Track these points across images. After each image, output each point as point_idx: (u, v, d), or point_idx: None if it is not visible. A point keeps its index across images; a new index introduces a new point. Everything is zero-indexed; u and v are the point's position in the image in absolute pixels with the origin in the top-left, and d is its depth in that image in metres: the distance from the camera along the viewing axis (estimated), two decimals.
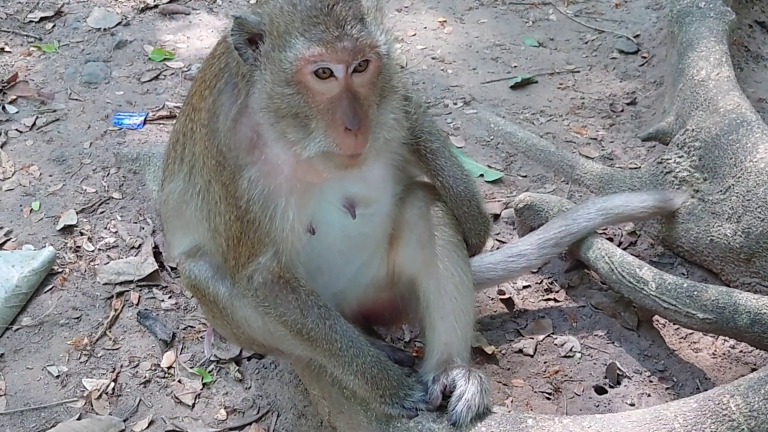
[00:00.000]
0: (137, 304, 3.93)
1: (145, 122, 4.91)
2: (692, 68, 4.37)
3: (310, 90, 2.52)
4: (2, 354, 3.70)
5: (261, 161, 2.66)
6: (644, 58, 5.51)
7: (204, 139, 2.73)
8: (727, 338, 3.70)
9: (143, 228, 4.28)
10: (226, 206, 2.73)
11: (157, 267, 4.04)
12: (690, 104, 4.25)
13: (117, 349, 3.76)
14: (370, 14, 2.54)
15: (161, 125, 4.89)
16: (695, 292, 3.46)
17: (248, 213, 2.70)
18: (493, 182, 4.60)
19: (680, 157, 4.12)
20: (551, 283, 4.04)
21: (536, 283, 4.05)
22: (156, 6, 5.78)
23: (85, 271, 4.06)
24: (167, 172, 3.04)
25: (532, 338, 3.79)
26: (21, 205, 4.38)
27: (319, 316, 2.82)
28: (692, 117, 4.18)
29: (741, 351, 3.71)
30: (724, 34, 4.56)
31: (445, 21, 5.79)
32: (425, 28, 5.74)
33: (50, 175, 4.58)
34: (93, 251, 4.16)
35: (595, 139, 4.92)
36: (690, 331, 3.74)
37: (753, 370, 3.61)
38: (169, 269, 4.08)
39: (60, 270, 4.06)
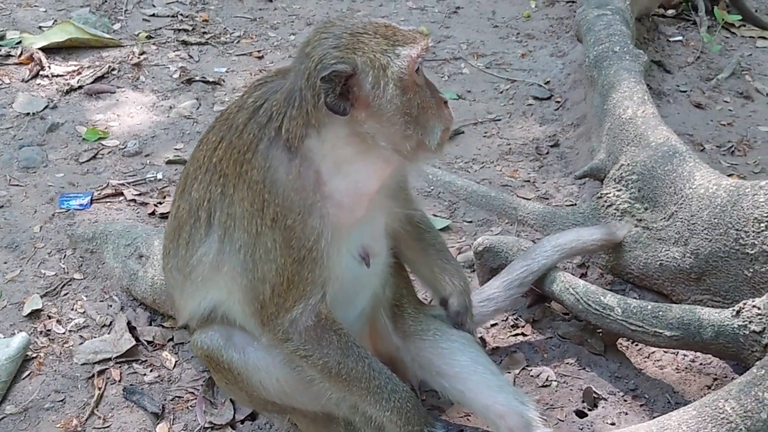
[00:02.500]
0: (119, 381, 3.95)
1: (91, 202, 4.93)
2: (618, 108, 4.70)
3: (418, 86, 2.82)
4: None
5: (330, 197, 2.87)
6: (558, 102, 5.86)
7: (257, 195, 2.86)
8: (686, 353, 3.99)
9: (111, 305, 4.30)
10: (284, 251, 2.86)
11: (134, 342, 4.07)
12: (620, 141, 4.57)
13: (108, 426, 3.77)
14: None
15: (108, 203, 4.93)
16: (660, 312, 3.72)
17: (312, 251, 2.86)
18: (442, 230, 4.81)
19: (618, 190, 4.42)
20: (516, 319, 4.26)
21: (503, 320, 4.26)
22: (80, 87, 5.81)
23: (61, 353, 4.06)
24: (188, 241, 3.12)
25: (509, 372, 3.99)
26: None
27: (358, 355, 2.97)
28: (624, 152, 4.50)
29: (701, 363, 3.99)
30: (640, 75, 4.93)
31: None
32: None
33: (5, 262, 4.55)
34: (64, 333, 4.16)
35: (528, 181, 5.21)
36: (653, 349, 4.01)
37: (715, 379, 3.91)
38: (145, 343, 4.11)
39: (35, 355, 4.04)
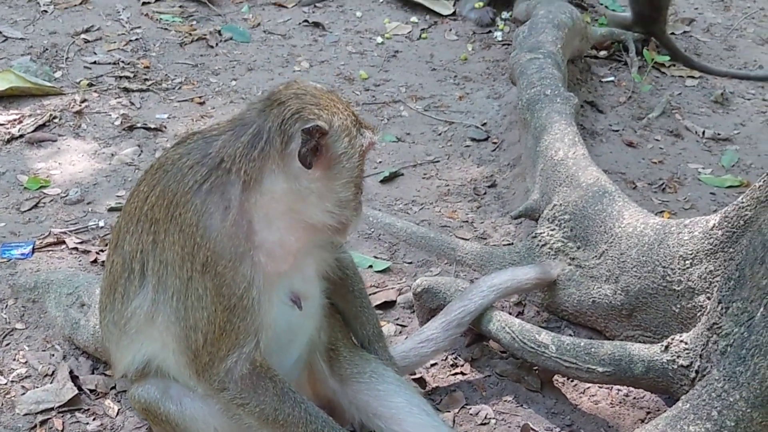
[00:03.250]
0: (62, 431, 3.96)
1: (33, 251, 4.94)
2: (550, 149, 4.85)
3: (362, 166, 3.08)
4: None
5: (260, 247, 2.96)
6: (494, 143, 6.00)
7: (188, 238, 2.94)
8: (620, 388, 4.11)
9: (53, 355, 4.31)
10: (214, 298, 2.93)
11: (77, 391, 4.09)
12: (553, 182, 4.71)
13: None
14: None
15: (50, 252, 4.94)
16: (592, 349, 3.84)
17: (243, 299, 2.94)
18: (382, 272, 4.90)
19: (552, 230, 4.56)
20: (455, 358, 4.35)
21: (442, 360, 4.34)
22: (22, 135, 5.83)
23: (2, 404, 4.06)
24: (123, 294, 3.16)
25: (449, 411, 4.07)
26: None
27: (294, 401, 3.05)
28: (557, 193, 4.64)
29: (635, 397, 4.11)
30: (571, 117, 5.09)
31: None
32: None
33: None
34: (6, 384, 4.16)
35: (467, 221, 5.33)
36: (588, 385, 4.13)
37: (648, 413, 4.03)
38: (88, 392, 4.13)
39: None
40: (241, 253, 2.93)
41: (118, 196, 5.37)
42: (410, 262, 4.98)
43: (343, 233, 3.16)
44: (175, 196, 2.98)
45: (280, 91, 3.03)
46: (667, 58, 6.94)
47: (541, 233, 4.61)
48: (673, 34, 7.42)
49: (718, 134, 6.17)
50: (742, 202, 3.59)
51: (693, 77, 6.89)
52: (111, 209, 5.26)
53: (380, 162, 5.82)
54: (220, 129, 3.11)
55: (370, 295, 4.64)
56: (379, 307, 4.63)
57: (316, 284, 3.33)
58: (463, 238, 5.13)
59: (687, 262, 3.84)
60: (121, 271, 3.14)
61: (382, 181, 5.63)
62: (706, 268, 3.75)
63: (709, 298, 3.72)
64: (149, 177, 3.13)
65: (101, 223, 5.15)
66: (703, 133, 6.17)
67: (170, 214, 2.98)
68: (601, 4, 7.96)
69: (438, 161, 5.86)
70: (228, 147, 2.99)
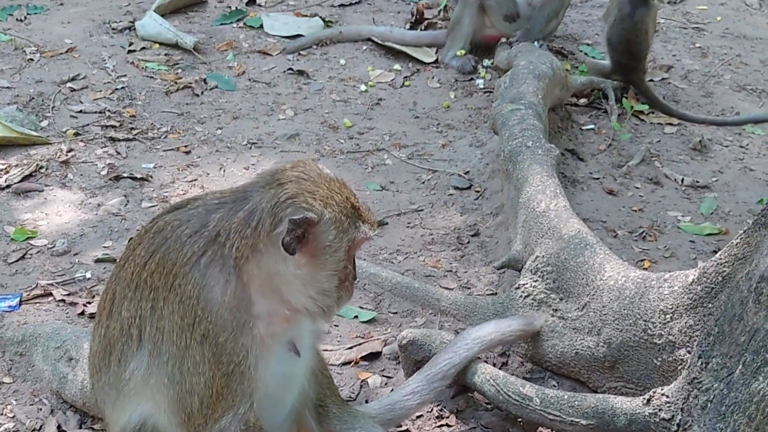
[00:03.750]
0: None
1: (20, 303, 4.97)
2: (532, 201, 4.93)
3: (353, 260, 3.13)
4: None
5: (259, 317, 3.04)
6: (477, 192, 6.08)
7: (189, 310, 3.00)
8: None
9: (41, 409, 4.33)
10: (212, 365, 3.00)
11: None
12: (535, 233, 4.79)
13: None
14: None
15: (38, 304, 4.97)
16: (576, 402, 3.90)
17: (240, 365, 3.01)
18: (368, 322, 4.95)
19: (535, 281, 4.63)
20: (441, 410, 4.40)
21: (428, 412, 4.39)
22: (8, 186, 5.86)
23: None
24: (120, 358, 3.19)
25: None
26: None
27: None
28: (540, 244, 4.72)
29: None
30: (552, 168, 5.18)
31: None
32: None
33: None
34: None
35: (451, 270, 5.39)
36: None
37: None
38: None
39: None
40: (242, 324, 3.00)
41: (104, 247, 5.41)
42: (395, 312, 5.03)
43: (325, 318, 3.24)
44: (175, 266, 3.03)
45: (284, 171, 3.09)
46: (646, 106, 7.06)
47: (524, 284, 4.68)
48: (651, 81, 7.55)
49: (697, 182, 6.27)
50: (720, 259, 3.67)
51: (672, 124, 7.00)
52: (98, 260, 5.29)
53: None
54: (221, 198, 3.16)
55: (355, 346, 4.73)
56: (364, 358, 4.69)
57: (309, 329, 3.39)
58: (447, 288, 5.19)
59: (667, 316, 3.91)
60: (118, 335, 3.17)
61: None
62: (686, 323, 3.82)
63: (689, 352, 3.79)
64: (147, 241, 3.16)
65: (88, 275, 5.18)
66: (682, 180, 6.28)
67: (170, 283, 3.03)
68: (581, 51, 8.09)
69: (422, 210, 5.93)
70: (225, 221, 3.05)
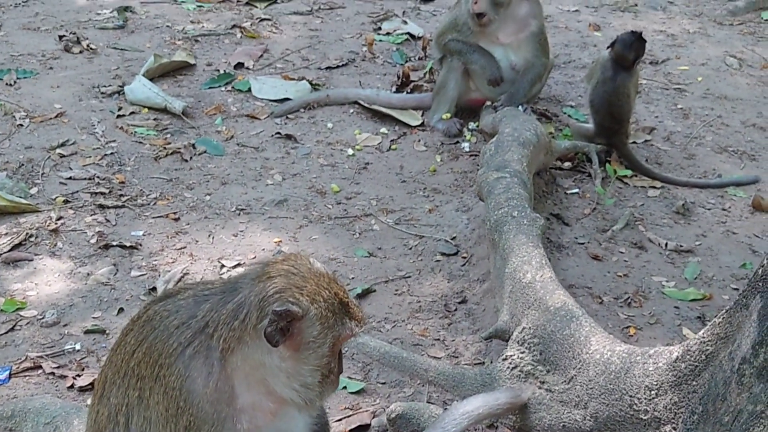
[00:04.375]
0: None
1: (10, 376, 4.98)
2: (518, 272, 4.99)
3: (338, 354, 3.23)
4: None
5: (242, 410, 3.08)
6: (464, 258, 6.15)
7: (172, 401, 3.05)
8: None
9: None
10: None
11: None
12: (522, 304, 4.84)
13: None
14: None
15: (27, 377, 4.99)
16: None
17: None
18: (357, 393, 4.98)
19: (522, 353, 4.68)
20: None
21: None
22: None
23: None
24: None
25: None
26: None
27: None
28: (526, 316, 4.77)
29: None
30: (538, 239, 5.25)
31: (280, 241, 6.23)
32: (263, 249, 6.15)
33: None
34: None
35: (438, 339, 5.44)
36: None
37: None
38: None
39: None
40: (223, 417, 3.04)
41: (93, 318, 5.44)
42: (384, 383, 5.06)
43: (310, 409, 3.28)
44: (161, 356, 3.09)
45: (275, 264, 3.16)
46: (629, 171, 7.16)
47: (511, 355, 4.72)
48: (635, 143, 7.66)
49: (681, 246, 6.35)
50: (703, 337, 3.73)
51: (655, 187, 7.10)
52: (87, 331, 5.32)
53: (353, 278, 5.93)
54: (211, 289, 3.23)
55: (344, 418, 4.76)
56: (353, 430, 4.70)
57: (302, 421, 3.41)
58: (435, 357, 5.23)
59: (652, 392, 3.96)
60: (106, 422, 3.21)
61: (354, 299, 5.72)
62: (671, 399, 3.87)
63: (675, 429, 3.83)
64: (137, 329, 3.22)
65: (77, 347, 5.20)
66: (666, 245, 6.35)
67: (155, 373, 3.08)
68: (565, 113, 8.21)
69: (409, 276, 5.99)
70: (214, 312, 3.11)
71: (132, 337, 3.22)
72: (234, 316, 3.07)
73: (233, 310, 3.08)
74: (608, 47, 7.27)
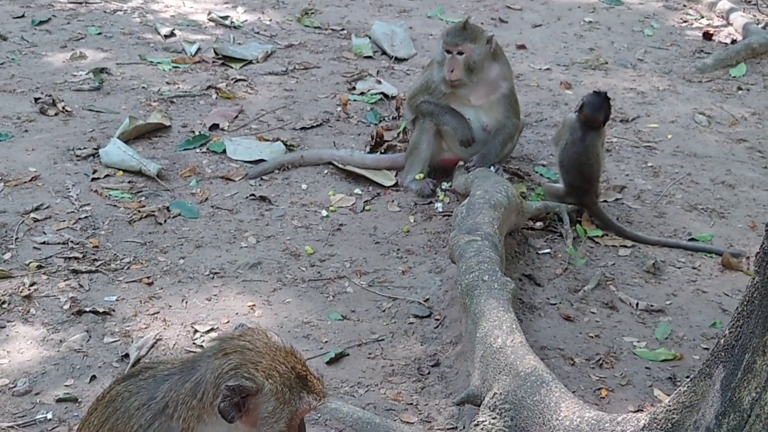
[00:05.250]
0: None
1: None
2: (489, 337, 5.03)
3: (296, 427, 3.22)
4: None
5: None
6: (437, 320, 6.18)
7: None
8: None
9: None
10: None
11: None
12: (493, 369, 4.88)
13: None
14: None
15: None
16: None
17: None
18: None
19: (494, 418, 4.70)
20: None
21: None
22: None
23: None
24: None
25: None
26: None
27: None
28: (497, 381, 4.81)
29: None
30: (508, 303, 5.30)
31: (254, 305, 6.25)
32: (237, 313, 6.17)
33: None
34: None
35: (411, 404, 5.45)
36: None
37: None
38: None
39: None
40: None
41: (66, 386, 5.43)
42: None
43: None
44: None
45: (232, 340, 3.21)
46: (599, 231, 7.24)
47: (483, 421, 4.74)
48: (605, 201, 7.76)
49: (652, 306, 6.42)
50: (669, 405, 3.78)
51: (626, 246, 7.18)
52: (59, 400, 5.30)
53: (326, 342, 5.95)
54: (171, 369, 3.26)
55: None
56: None
57: None
58: (408, 422, 5.24)
59: None
60: None
61: (328, 363, 5.75)
62: None
63: None
64: (100, 409, 3.25)
65: (49, 416, 5.18)
66: (637, 305, 6.42)
67: None
68: (537, 172, 8.30)
69: (382, 339, 6.01)
70: (173, 392, 3.15)
71: (95, 417, 3.26)
72: (192, 395, 3.11)
73: (191, 389, 3.12)
74: (576, 111, 7.40)
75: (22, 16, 11.16)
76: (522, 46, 11.41)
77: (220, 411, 3.04)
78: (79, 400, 5.32)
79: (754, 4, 13.36)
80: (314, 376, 3.32)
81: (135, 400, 3.18)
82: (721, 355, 3.51)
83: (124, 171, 7.86)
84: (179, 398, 3.12)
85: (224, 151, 8.32)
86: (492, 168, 7.50)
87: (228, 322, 6.09)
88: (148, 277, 6.49)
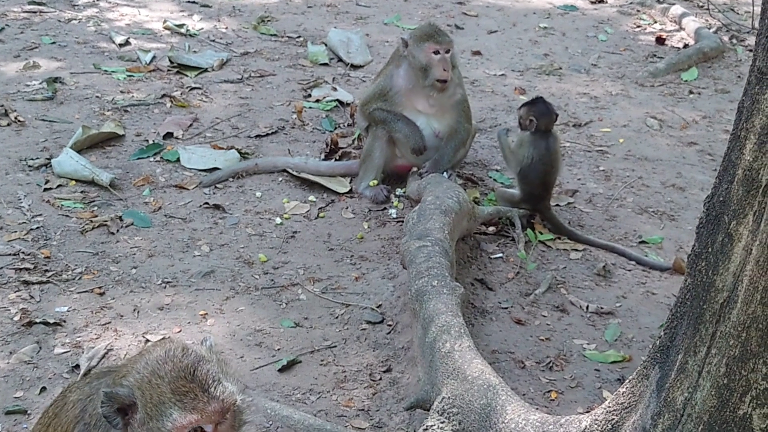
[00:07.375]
0: None
1: None
2: (438, 342, 5.08)
3: None
4: None
5: None
6: (389, 326, 6.22)
7: None
8: None
9: None
10: None
11: None
12: (442, 374, 4.92)
13: None
14: (221, 370, 3.04)
15: None
16: None
17: None
18: None
19: (442, 422, 4.74)
20: None
21: None
22: None
23: None
24: None
25: None
26: None
27: None
28: (446, 385, 4.85)
29: None
30: (457, 308, 5.35)
31: (206, 313, 6.25)
32: (189, 323, 6.16)
33: None
34: None
35: (363, 409, 5.48)
36: None
37: None
38: None
39: None
40: None
41: (15, 398, 5.40)
42: None
43: None
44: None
45: (143, 351, 3.27)
46: (551, 236, 7.32)
47: (432, 425, 4.78)
48: (558, 205, 7.84)
49: (601, 308, 6.50)
50: (609, 407, 3.84)
51: (577, 250, 7.26)
52: (8, 412, 5.28)
53: (279, 349, 5.96)
54: (99, 377, 3.36)
55: None
56: None
57: None
58: (359, 429, 5.27)
59: None
60: None
61: (280, 370, 5.76)
62: None
63: None
64: (45, 419, 3.31)
65: None
66: (587, 307, 6.49)
67: None
68: (490, 177, 8.38)
69: (335, 346, 6.04)
70: (89, 400, 3.23)
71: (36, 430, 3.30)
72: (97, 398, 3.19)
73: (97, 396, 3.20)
74: (526, 128, 7.44)
75: None
76: (477, 52, 11.50)
77: (103, 415, 3.08)
78: (29, 411, 5.29)
79: (707, 9, 13.55)
80: (207, 394, 3.06)
81: (70, 409, 3.24)
82: (657, 356, 3.58)
83: (76, 181, 7.82)
84: (94, 407, 3.18)
85: (178, 160, 8.30)
86: (444, 174, 7.54)
87: (180, 331, 6.08)
88: (99, 287, 6.46)
